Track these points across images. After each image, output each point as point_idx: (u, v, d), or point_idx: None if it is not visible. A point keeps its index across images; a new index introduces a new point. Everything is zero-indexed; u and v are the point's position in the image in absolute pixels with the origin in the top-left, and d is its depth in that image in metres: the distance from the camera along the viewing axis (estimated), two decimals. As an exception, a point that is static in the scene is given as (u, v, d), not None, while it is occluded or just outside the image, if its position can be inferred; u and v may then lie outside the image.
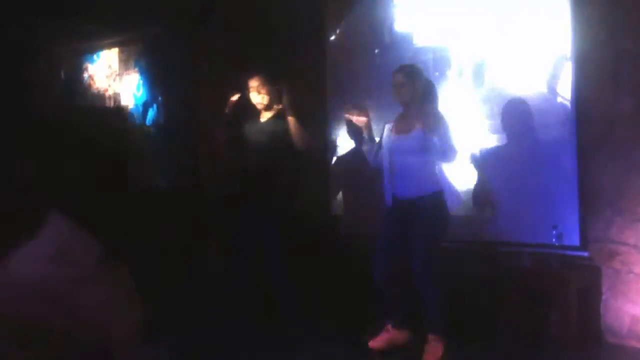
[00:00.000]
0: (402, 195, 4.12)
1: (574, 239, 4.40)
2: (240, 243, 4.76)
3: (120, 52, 8.00)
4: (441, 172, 4.13)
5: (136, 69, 7.81)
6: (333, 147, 5.82)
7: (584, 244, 4.39)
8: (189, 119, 7.09)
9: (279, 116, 4.69)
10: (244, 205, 4.78)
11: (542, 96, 4.56)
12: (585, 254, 4.39)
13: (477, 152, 4.82)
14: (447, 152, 4.01)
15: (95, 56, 8.30)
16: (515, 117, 4.67)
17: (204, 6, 6.65)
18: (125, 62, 7.95)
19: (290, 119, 4.60)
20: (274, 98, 4.69)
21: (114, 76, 8.08)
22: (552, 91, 4.52)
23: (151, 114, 7.64)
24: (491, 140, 4.80)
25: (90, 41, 8.18)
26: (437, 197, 4.05)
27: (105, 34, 7.94)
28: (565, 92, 4.45)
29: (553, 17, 4.48)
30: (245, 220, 4.71)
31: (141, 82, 7.75)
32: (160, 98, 7.52)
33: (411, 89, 4.10)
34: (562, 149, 4.47)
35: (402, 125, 4.17)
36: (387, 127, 4.26)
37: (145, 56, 7.70)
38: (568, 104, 4.44)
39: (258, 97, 4.66)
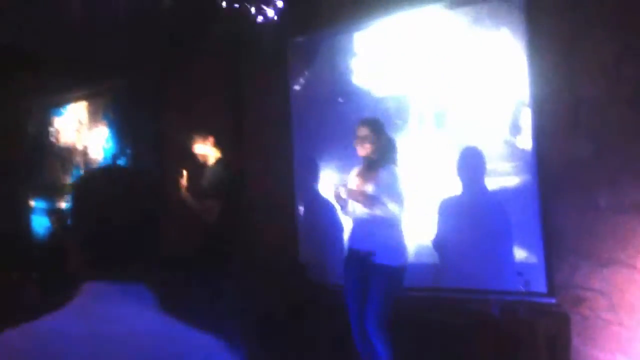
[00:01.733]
0: (359, 249, 4.20)
1: (541, 286, 4.38)
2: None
3: (88, 105, 7.97)
4: (396, 233, 4.22)
5: (104, 122, 7.77)
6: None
7: (551, 290, 4.36)
8: (157, 170, 7.05)
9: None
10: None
11: (503, 142, 4.57)
12: (553, 300, 4.36)
13: (439, 199, 4.81)
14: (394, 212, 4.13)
15: (62, 109, 8.25)
16: (474, 165, 4.68)
17: (174, 57, 6.68)
18: (93, 115, 7.91)
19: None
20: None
21: (82, 129, 8.03)
22: (513, 137, 4.54)
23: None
24: (454, 186, 4.78)
25: (57, 94, 8.15)
26: (394, 270, 4.14)
27: (72, 87, 7.93)
28: (525, 138, 4.47)
29: (510, 65, 4.52)
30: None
31: (110, 134, 7.70)
32: (128, 150, 7.48)
33: (374, 143, 4.20)
34: (525, 194, 4.47)
35: (361, 179, 4.24)
36: (350, 177, 4.36)
37: (113, 108, 7.68)
38: (529, 149, 4.45)
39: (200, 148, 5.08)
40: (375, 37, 5.28)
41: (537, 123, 4.42)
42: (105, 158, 7.70)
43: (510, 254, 4.53)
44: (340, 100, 5.45)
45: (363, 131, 4.24)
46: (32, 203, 8.53)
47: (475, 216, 4.69)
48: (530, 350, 4.21)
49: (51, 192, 8.30)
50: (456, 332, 4.46)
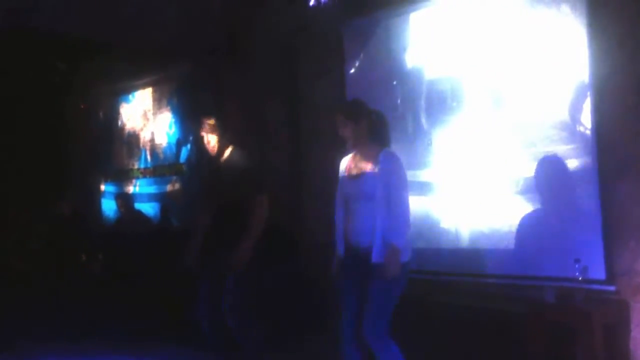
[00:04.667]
0: (358, 244, 3.72)
1: (600, 273, 4.20)
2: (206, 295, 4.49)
3: (154, 91, 8.17)
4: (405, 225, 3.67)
5: (169, 108, 7.95)
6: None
7: (610, 277, 4.18)
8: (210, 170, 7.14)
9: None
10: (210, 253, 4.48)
11: (562, 125, 4.41)
12: (612, 288, 4.18)
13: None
14: (393, 218, 3.60)
15: (130, 96, 8.49)
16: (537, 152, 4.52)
17: (231, 44, 6.78)
18: (158, 101, 8.10)
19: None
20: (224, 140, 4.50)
21: (148, 115, 8.24)
22: (572, 119, 4.37)
23: (184, 151, 7.74)
24: (511, 168, 4.65)
25: (126, 81, 8.39)
26: (395, 256, 3.58)
27: (139, 74, 8.15)
28: (585, 120, 4.30)
29: (570, 43, 4.35)
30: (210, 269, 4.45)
31: (173, 120, 7.87)
32: (192, 136, 7.62)
33: (353, 129, 3.76)
34: (584, 177, 4.29)
35: (353, 167, 3.81)
36: (341, 166, 3.91)
37: (177, 95, 7.84)
38: (588, 132, 4.28)
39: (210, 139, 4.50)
40: (430, 18, 5.18)
41: (598, 104, 4.24)
42: (169, 144, 7.88)
43: (569, 239, 4.36)
44: (395, 82, 5.38)
45: (339, 117, 3.80)
46: (102, 187, 8.83)
47: (532, 201, 4.55)
48: (586, 340, 4.06)
49: (119, 177, 8.57)
50: (510, 320, 4.36)
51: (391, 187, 3.63)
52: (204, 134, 4.47)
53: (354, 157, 3.85)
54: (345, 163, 3.90)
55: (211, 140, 4.46)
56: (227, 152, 4.46)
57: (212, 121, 4.45)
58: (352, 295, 3.75)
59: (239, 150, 4.46)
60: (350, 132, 3.79)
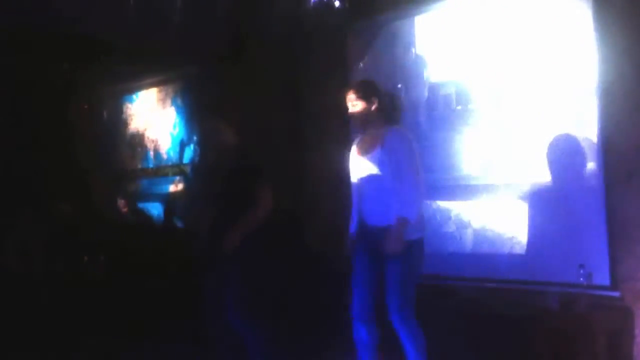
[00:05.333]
0: (371, 224, 3.71)
1: (604, 278, 4.18)
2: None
3: (158, 91, 8.16)
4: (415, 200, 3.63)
5: (173, 108, 7.95)
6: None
7: (614, 283, 4.17)
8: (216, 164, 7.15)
9: None
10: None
11: (568, 130, 4.39)
12: (616, 293, 4.16)
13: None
14: (404, 193, 3.56)
15: (133, 96, 8.49)
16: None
17: (235, 45, 6.77)
18: (162, 102, 8.10)
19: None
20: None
21: (151, 116, 8.23)
22: (578, 124, 4.35)
23: (188, 152, 7.73)
24: (515, 173, 4.63)
25: (129, 82, 8.39)
26: (412, 244, 3.59)
27: (143, 75, 8.14)
28: (590, 125, 4.28)
29: (576, 48, 4.33)
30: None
31: (177, 120, 7.87)
32: (195, 137, 7.61)
33: (364, 108, 3.74)
34: (589, 183, 4.28)
35: (362, 148, 3.80)
36: (352, 148, 3.91)
37: (181, 95, 7.84)
38: (594, 137, 4.26)
39: None
40: (435, 21, 5.16)
41: (604, 109, 4.23)
42: (172, 144, 7.87)
43: (573, 244, 4.34)
44: (399, 86, 5.36)
45: (349, 97, 3.77)
46: (105, 187, 8.82)
47: (536, 206, 4.53)
48: (590, 346, 4.04)
49: (122, 177, 8.57)
50: (513, 325, 4.33)
51: (399, 163, 3.59)
52: (208, 130, 4.53)
53: (363, 139, 3.83)
54: (355, 145, 3.88)
55: (215, 135, 4.48)
56: (230, 147, 4.47)
57: (216, 117, 4.57)
58: (364, 276, 3.73)
59: (242, 145, 4.48)
60: (360, 112, 3.77)
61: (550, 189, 4.49)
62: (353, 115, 3.80)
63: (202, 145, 4.68)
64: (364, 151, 3.77)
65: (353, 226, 3.83)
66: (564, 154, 4.42)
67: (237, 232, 4.14)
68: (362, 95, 3.77)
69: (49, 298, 6.39)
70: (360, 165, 3.79)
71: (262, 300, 4.49)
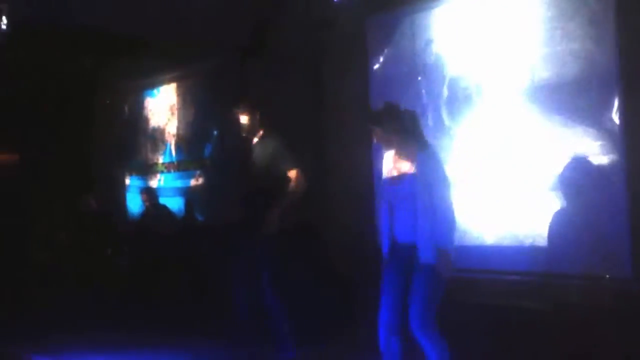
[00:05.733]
0: (401, 241, 3.80)
1: (627, 271, 4.15)
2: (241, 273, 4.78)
3: (178, 86, 8.21)
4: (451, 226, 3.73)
5: (193, 103, 7.99)
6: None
7: (638, 275, 4.13)
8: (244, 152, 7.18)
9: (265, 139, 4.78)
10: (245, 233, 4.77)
11: (590, 121, 4.35)
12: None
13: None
14: (438, 219, 3.63)
15: (154, 91, 8.54)
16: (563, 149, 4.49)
17: (255, 39, 6.78)
18: (183, 96, 8.14)
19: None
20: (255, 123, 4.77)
21: (172, 110, 8.28)
22: (600, 115, 4.31)
23: (208, 146, 7.77)
24: (537, 168, 4.60)
25: (151, 76, 8.44)
26: (443, 258, 3.64)
27: (165, 69, 8.19)
28: (613, 116, 4.24)
29: (598, 38, 4.29)
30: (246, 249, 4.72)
31: (198, 115, 7.91)
32: (215, 131, 7.65)
33: (385, 134, 3.81)
34: (612, 174, 4.24)
35: (393, 169, 3.87)
36: (383, 167, 3.96)
37: (201, 90, 7.87)
38: (617, 128, 4.22)
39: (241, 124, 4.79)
40: (454, 13, 5.13)
41: (626, 99, 4.18)
42: (193, 138, 7.91)
43: (596, 236, 4.31)
44: (419, 78, 5.34)
45: (371, 125, 3.87)
46: (127, 181, 8.90)
47: (558, 198, 4.50)
48: (612, 339, 4.01)
49: (143, 171, 8.63)
50: (536, 318, 4.31)
51: (432, 188, 3.66)
52: (235, 120, 4.78)
53: (394, 158, 3.89)
54: (387, 164, 3.95)
55: (243, 125, 4.75)
56: (259, 135, 4.77)
57: (243, 107, 4.77)
58: (394, 290, 3.82)
59: (270, 132, 4.76)
60: (383, 138, 3.85)
61: (572, 181, 4.45)
62: (377, 139, 3.91)
63: (232, 134, 4.88)
64: (395, 173, 3.85)
65: (385, 245, 3.91)
66: (583, 144, 4.39)
67: (275, 212, 4.50)
68: (382, 121, 3.82)
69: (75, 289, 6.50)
70: (391, 187, 3.88)
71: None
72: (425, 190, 3.66)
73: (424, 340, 3.69)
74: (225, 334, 5.38)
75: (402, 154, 3.82)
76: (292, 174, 4.61)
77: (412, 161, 3.75)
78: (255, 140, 4.80)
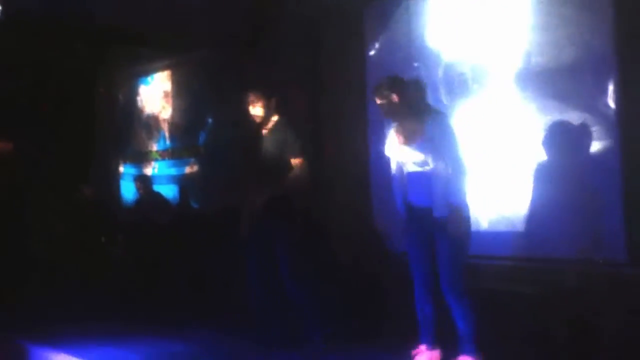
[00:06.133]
0: (419, 206, 3.92)
1: (621, 254, 4.18)
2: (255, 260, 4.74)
3: (172, 74, 8.18)
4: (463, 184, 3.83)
5: (187, 90, 7.97)
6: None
7: (632, 259, 4.16)
8: (239, 140, 7.17)
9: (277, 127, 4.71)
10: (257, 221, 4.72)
11: (585, 106, 4.37)
12: (634, 270, 4.15)
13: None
14: (454, 169, 3.76)
15: (149, 78, 8.51)
16: (558, 134, 4.51)
17: (253, 29, 6.77)
18: (177, 84, 8.12)
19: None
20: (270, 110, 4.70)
21: (167, 98, 8.26)
22: (595, 97, 4.33)
23: (201, 133, 7.76)
24: (533, 153, 4.62)
25: (144, 64, 8.41)
26: (457, 212, 3.76)
27: (158, 57, 8.16)
28: (608, 100, 4.26)
29: (594, 22, 4.30)
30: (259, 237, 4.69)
31: (192, 103, 7.89)
32: (209, 118, 7.64)
33: (396, 101, 3.88)
34: (606, 158, 4.27)
35: (402, 135, 3.96)
36: (390, 138, 4.05)
37: (196, 78, 7.85)
38: (612, 112, 4.25)
39: (254, 110, 4.69)
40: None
41: (622, 85, 4.20)
42: (187, 126, 7.90)
43: (590, 221, 4.34)
44: (416, 64, 5.35)
45: (381, 94, 3.91)
46: (121, 169, 8.89)
47: (553, 183, 4.52)
48: (607, 323, 4.04)
49: (138, 159, 8.61)
50: (529, 303, 4.34)
51: (443, 151, 3.77)
52: (248, 106, 4.67)
53: (401, 127, 3.98)
54: (394, 134, 4.02)
55: (257, 111, 4.65)
56: (273, 121, 4.70)
57: (256, 93, 4.66)
58: (420, 256, 3.95)
59: (285, 119, 4.71)
60: (389, 107, 3.91)
61: (567, 166, 4.48)
62: (384, 110, 3.96)
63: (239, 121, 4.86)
64: (405, 140, 3.94)
65: (402, 211, 4.05)
66: (577, 129, 4.41)
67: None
68: (389, 90, 3.90)
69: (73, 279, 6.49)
70: (402, 154, 3.97)
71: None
72: (436, 153, 3.77)
73: (453, 303, 3.83)
74: (225, 323, 5.44)
75: (410, 122, 3.91)
76: (297, 161, 4.59)
77: (421, 127, 3.84)
78: (267, 128, 4.72)
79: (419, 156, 3.85)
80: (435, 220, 3.80)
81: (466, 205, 3.83)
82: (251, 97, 4.66)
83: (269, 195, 4.60)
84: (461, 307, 3.83)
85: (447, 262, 3.80)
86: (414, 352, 4.10)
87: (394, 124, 4.02)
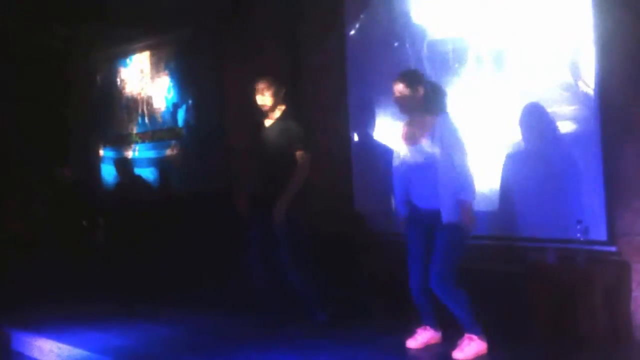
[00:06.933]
0: (422, 207, 4.04)
1: (601, 234, 4.20)
2: (256, 243, 4.84)
3: (151, 55, 8.07)
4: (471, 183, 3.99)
5: (166, 72, 7.87)
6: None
7: (612, 238, 4.19)
8: (219, 120, 7.13)
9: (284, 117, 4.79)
10: (258, 207, 4.78)
11: (565, 85, 4.36)
12: (613, 248, 4.18)
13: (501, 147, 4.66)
14: (460, 178, 3.91)
15: (127, 60, 8.40)
16: (536, 118, 4.52)
17: (230, 5, 6.69)
18: (156, 65, 8.02)
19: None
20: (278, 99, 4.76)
21: (146, 79, 8.16)
22: (575, 80, 4.32)
23: (182, 115, 7.69)
24: (514, 133, 4.61)
25: (123, 45, 8.29)
26: (466, 215, 3.92)
27: (137, 38, 8.05)
28: (589, 80, 4.25)
29: (573, 1, 4.28)
30: (259, 222, 4.76)
31: (171, 84, 7.80)
32: (190, 100, 7.56)
33: (411, 97, 4.02)
34: (586, 138, 4.27)
35: (410, 135, 4.08)
36: (398, 134, 4.21)
37: (175, 58, 7.76)
38: (592, 92, 4.24)
39: (262, 98, 4.75)
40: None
41: (602, 63, 4.19)
42: (167, 108, 7.82)
43: (571, 200, 4.35)
44: (396, 44, 5.31)
45: (397, 87, 4.05)
46: (101, 152, 8.79)
47: (533, 163, 4.52)
48: (587, 301, 4.07)
49: (118, 142, 8.52)
50: (512, 281, 4.35)
51: (451, 151, 3.90)
52: (256, 95, 4.74)
53: (409, 125, 4.11)
54: (402, 131, 4.15)
55: (265, 100, 4.72)
56: (279, 111, 4.78)
57: (265, 82, 4.73)
58: (419, 253, 4.07)
59: (291, 110, 4.80)
60: (407, 100, 4.01)
61: (548, 145, 4.47)
62: (399, 103, 4.07)
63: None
64: (413, 138, 4.05)
65: (403, 209, 4.18)
66: (558, 108, 4.40)
67: (284, 201, 4.60)
68: (408, 84, 4.02)
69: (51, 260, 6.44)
70: (408, 152, 4.08)
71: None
72: (446, 153, 3.86)
73: (442, 296, 3.94)
74: (208, 304, 5.45)
75: (419, 119, 4.03)
76: (299, 155, 4.66)
77: (431, 126, 3.94)
78: (272, 118, 4.81)
79: (427, 155, 3.94)
80: (440, 221, 3.90)
81: (473, 206, 3.96)
82: (259, 86, 4.72)
83: (273, 183, 4.68)
84: (451, 299, 3.94)
85: (440, 259, 3.93)
86: (417, 330, 4.23)
87: (405, 122, 4.16)
